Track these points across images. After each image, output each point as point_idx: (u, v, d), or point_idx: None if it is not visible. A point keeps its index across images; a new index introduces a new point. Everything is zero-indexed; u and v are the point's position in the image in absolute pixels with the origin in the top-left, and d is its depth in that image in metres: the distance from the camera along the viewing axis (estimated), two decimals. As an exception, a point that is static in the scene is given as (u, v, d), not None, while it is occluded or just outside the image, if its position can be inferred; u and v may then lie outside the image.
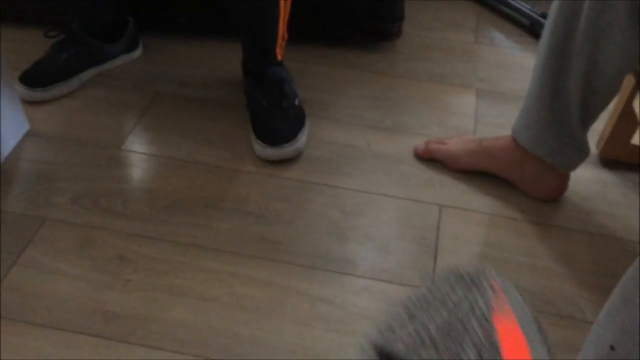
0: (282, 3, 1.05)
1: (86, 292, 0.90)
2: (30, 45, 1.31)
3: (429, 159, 1.14)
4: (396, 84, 1.33)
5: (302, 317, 0.89)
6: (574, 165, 1.02)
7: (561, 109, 0.94)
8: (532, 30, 1.46)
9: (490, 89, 1.33)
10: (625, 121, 1.08)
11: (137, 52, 1.34)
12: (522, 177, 1.06)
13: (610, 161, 1.15)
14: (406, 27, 1.41)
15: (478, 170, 1.11)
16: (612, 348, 0.61)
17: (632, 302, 0.58)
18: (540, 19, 1.45)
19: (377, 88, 1.31)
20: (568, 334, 0.88)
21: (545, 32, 0.92)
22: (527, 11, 1.50)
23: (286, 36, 1.13)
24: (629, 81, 1.05)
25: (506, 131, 1.06)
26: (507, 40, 1.48)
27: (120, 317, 0.87)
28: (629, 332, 0.59)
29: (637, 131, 1.10)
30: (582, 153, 1.00)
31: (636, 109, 1.01)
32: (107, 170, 1.10)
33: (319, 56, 1.38)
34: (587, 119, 0.95)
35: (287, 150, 1.10)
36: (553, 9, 0.90)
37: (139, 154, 1.14)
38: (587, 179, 1.12)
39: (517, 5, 1.52)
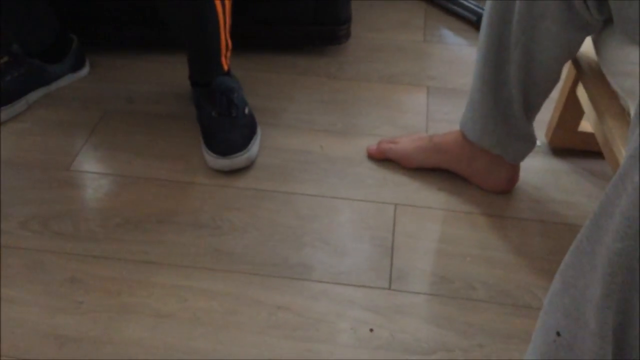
0: (219, 11, 1.04)
1: (38, 318, 0.88)
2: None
3: (382, 159, 1.14)
4: (347, 86, 1.33)
5: (260, 327, 0.88)
6: (522, 156, 1.03)
7: (503, 101, 0.94)
8: (479, 25, 1.48)
9: (441, 85, 1.34)
10: (570, 110, 1.09)
11: (84, 71, 1.32)
12: (473, 171, 1.07)
13: (560, 149, 1.17)
14: (354, 29, 1.42)
15: (431, 167, 1.11)
16: (558, 334, 0.61)
17: (572, 286, 0.59)
18: (486, 14, 1.47)
19: (328, 92, 1.31)
20: (526, 323, 0.89)
21: (483, 26, 0.93)
22: (473, 7, 1.52)
23: (230, 45, 1.13)
24: (571, 70, 1.06)
25: (457, 127, 1.07)
26: (455, 37, 1.50)
27: (73, 340, 0.85)
28: (573, 317, 0.59)
29: (584, 119, 1.12)
30: (528, 143, 1.02)
31: (580, 97, 1.03)
32: (57, 192, 1.08)
33: (267, 63, 1.37)
34: (530, 109, 0.96)
35: (239, 159, 1.09)
36: (488, 3, 0.91)
37: (88, 173, 1.12)
38: (538, 169, 1.14)
39: (463, 1, 1.53)
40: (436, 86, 1.33)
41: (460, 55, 1.44)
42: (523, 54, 0.88)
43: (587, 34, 0.88)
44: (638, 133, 0.50)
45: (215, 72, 1.14)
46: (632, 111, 0.77)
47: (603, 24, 0.84)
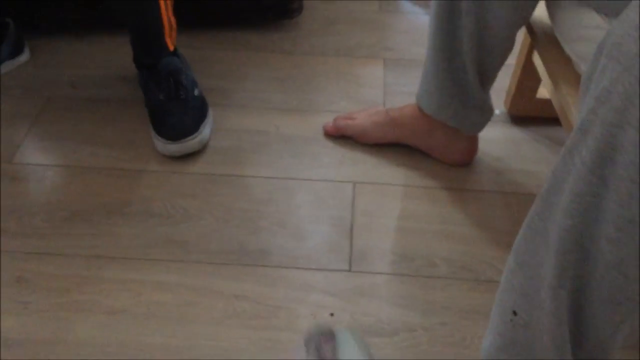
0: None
1: (-18, 322, 0.84)
2: None
3: (339, 136, 1.11)
4: (302, 61, 1.29)
5: (216, 318, 0.85)
6: (479, 126, 1.01)
7: (458, 71, 0.92)
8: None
9: (398, 57, 1.30)
10: (527, 77, 1.07)
11: (24, 57, 1.25)
12: (432, 144, 1.05)
13: (519, 117, 1.15)
14: (307, 1, 1.37)
15: (389, 142, 1.08)
16: (514, 313, 0.59)
17: (526, 265, 0.57)
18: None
19: (282, 68, 1.27)
20: (488, 298, 0.87)
21: (434, -5, 0.90)
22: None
23: (175, 24, 1.08)
24: (526, 36, 1.04)
25: (412, 99, 1.04)
26: (412, 6, 1.46)
27: (20, 343, 0.81)
28: (528, 296, 0.57)
29: (541, 86, 1.10)
30: (485, 114, 0.99)
31: (536, 64, 1.01)
32: (-2, 187, 1.02)
33: (217, 41, 1.32)
34: (485, 79, 0.94)
35: (190, 143, 1.05)
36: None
37: (32, 165, 1.07)
38: (497, 139, 1.12)
39: (419, -31, 1.50)
40: (393, 58, 1.30)
41: (417, 25, 1.40)
42: (475, 21, 0.85)
43: (539, -1, 0.85)
44: (585, 103, 0.48)
45: (161, 53, 1.08)
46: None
47: (555, -12, 0.81)
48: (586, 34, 0.76)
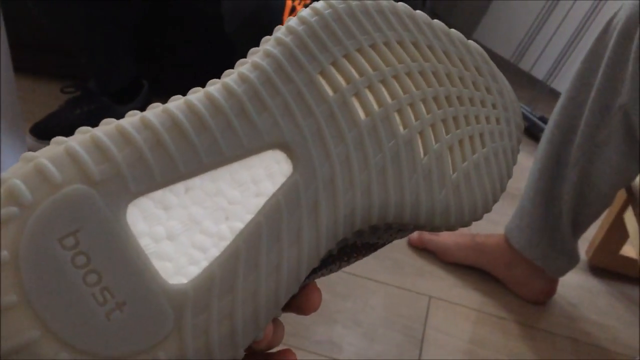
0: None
1: None
2: (46, 97, 1.35)
3: (422, 248, 1.16)
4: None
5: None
6: (564, 271, 1.04)
7: (554, 216, 0.96)
8: (530, 131, 1.52)
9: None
10: (615, 232, 1.11)
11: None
12: (511, 277, 1.08)
13: (599, 269, 1.17)
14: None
15: (469, 265, 1.12)
16: None
17: None
18: (538, 121, 1.50)
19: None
20: None
21: (543, 140, 0.96)
22: (526, 113, 1.56)
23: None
24: (621, 193, 1.08)
25: (499, 227, 1.09)
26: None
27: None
28: None
29: (627, 243, 1.13)
30: (572, 260, 1.03)
31: (627, 222, 1.04)
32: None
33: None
34: (578, 228, 0.98)
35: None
36: (552, 119, 0.94)
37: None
38: (575, 285, 1.14)
39: (518, 106, 1.58)
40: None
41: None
42: (580, 175, 0.91)
43: (646, 166, 0.90)
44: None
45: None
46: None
47: (663, 159, 0.86)
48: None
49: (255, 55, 0.30)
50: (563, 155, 0.92)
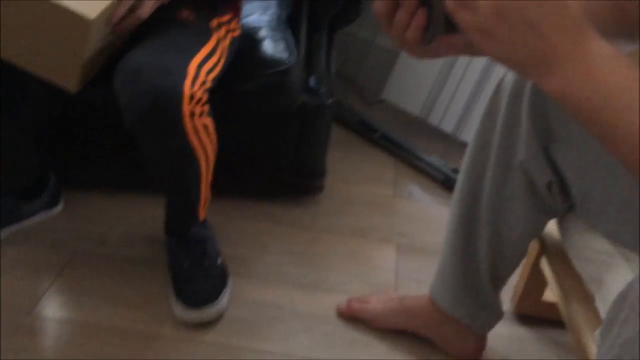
0: (203, 166, 1.06)
1: None
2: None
3: (352, 317, 1.14)
4: (319, 238, 1.35)
5: None
6: (490, 326, 1.05)
7: (473, 273, 0.97)
8: (446, 184, 1.55)
9: (410, 243, 1.37)
10: (535, 280, 1.13)
11: (58, 208, 1.32)
12: (442, 337, 1.08)
13: (525, 317, 1.19)
14: (327, 179, 1.46)
15: (400, 330, 1.11)
16: None
17: None
18: (452, 174, 1.54)
19: (300, 243, 1.33)
20: None
21: (454, 200, 0.98)
22: (440, 166, 1.59)
23: (209, 197, 1.15)
24: (535, 243, 1.11)
25: (425, 286, 1.08)
26: (424, 194, 1.56)
27: None
28: None
29: (548, 289, 1.15)
30: (496, 315, 1.04)
31: (544, 270, 1.07)
32: (14, 339, 1.03)
33: (241, 210, 1.39)
34: (499, 282, 0.99)
35: (209, 312, 1.08)
36: (460, 178, 0.96)
37: (50, 319, 1.09)
38: (504, 336, 1.15)
39: (430, 160, 1.62)
40: (405, 243, 1.37)
41: (428, 213, 1.49)
42: (492, 231, 0.93)
43: (552, 217, 0.93)
44: (607, 348, 0.52)
45: (193, 223, 1.15)
46: (599, 304, 0.80)
47: (567, 209, 0.89)
48: (595, 258, 0.82)
49: None
50: (474, 213, 0.94)
